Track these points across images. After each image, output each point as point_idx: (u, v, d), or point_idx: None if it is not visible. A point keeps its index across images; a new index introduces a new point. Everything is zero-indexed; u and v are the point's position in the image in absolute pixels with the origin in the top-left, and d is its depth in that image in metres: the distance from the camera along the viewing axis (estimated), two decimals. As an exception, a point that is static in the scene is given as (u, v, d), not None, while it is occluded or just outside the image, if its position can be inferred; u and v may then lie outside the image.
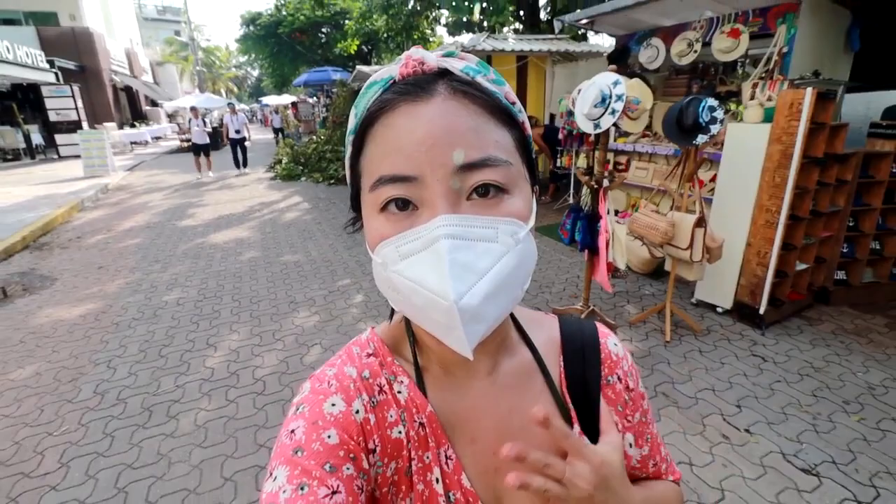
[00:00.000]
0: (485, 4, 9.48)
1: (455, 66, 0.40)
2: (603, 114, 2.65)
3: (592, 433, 0.51)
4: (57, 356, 3.23)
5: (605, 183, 2.99)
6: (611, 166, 5.63)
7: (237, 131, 11.04)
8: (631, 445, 0.55)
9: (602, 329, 0.58)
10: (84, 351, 3.28)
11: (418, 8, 11.87)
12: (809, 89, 2.79)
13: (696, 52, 4.85)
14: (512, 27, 10.81)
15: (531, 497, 0.46)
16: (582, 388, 0.53)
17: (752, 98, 3.33)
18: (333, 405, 0.44)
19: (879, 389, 2.62)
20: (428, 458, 0.47)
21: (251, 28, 21.43)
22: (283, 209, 7.80)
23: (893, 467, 2.08)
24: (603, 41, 8.92)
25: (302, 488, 0.38)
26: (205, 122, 10.75)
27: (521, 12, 10.62)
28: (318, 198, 8.61)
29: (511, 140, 0.41)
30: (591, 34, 7.53)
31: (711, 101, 2.72)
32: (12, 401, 2.75)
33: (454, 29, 11.77)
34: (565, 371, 0.54)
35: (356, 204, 0.46)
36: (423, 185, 0.38)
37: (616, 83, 2.62)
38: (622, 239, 3.03)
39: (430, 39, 15.57)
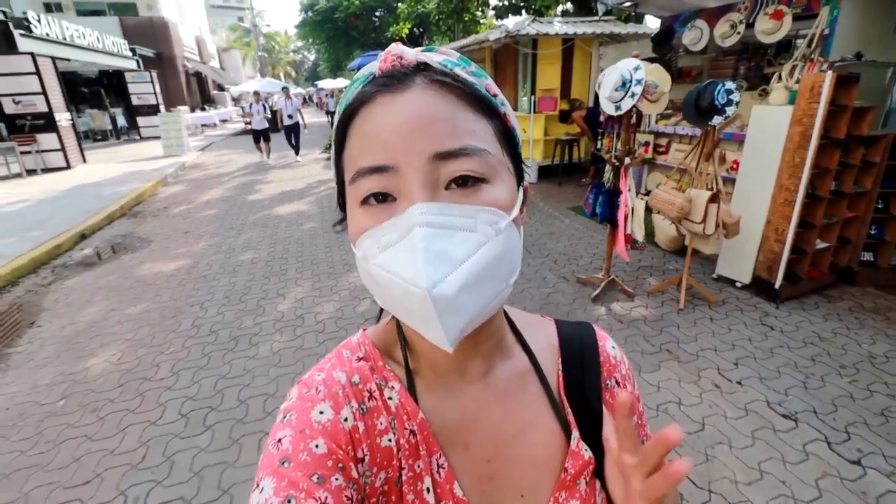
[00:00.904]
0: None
1: (433, 59, 0.41)
2: (624, 96, 2.93)
3: (593, 438, 0.50)
4: (160, 298, 3.98)
5: (626, 161, 3.26)
6: (650, 148, 5.78)
7: (289, 116, 10.70)
8: None
9: (599, 332, 0.58)
10: (181, 295, 4.01)
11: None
12: (830, 73, 2.92)
13: (739, 33, 4.89)
14: (562, 8, 10.80)
15: None
16: (582, 392, 0.52)
17: (780, 80, 3.44)
18: (321, 413, 0.43)
19: (880, 359, 2.80)
20: (419, 466, 0.46)
21: (309, 14, 22.30)
22: (338, 186, 8.46)
23: (871, 420, 2.31)
24: (649, 23, 8.80)
25: (289, 501, 0.37)
26: (265, 107, 10.58)
27: (572, -7, 10.59)
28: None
29: (490, 130, 0.41)
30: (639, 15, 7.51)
31: (729, 85, 2.93)
32: (130, 329, 3.49)
33: (502, 12, 11.88)
34: (564, 375, 0.53)
35: (343, 202, 0.45)
36: (400, 174, 0.37)
37: (637, 68, 2.89)
38: (640, 213, 3.31)
39: (481, 21, 15.69)
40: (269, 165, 10.87)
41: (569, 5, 10.61)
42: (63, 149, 10.94)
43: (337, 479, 0.40)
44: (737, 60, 5.87)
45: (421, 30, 20.85)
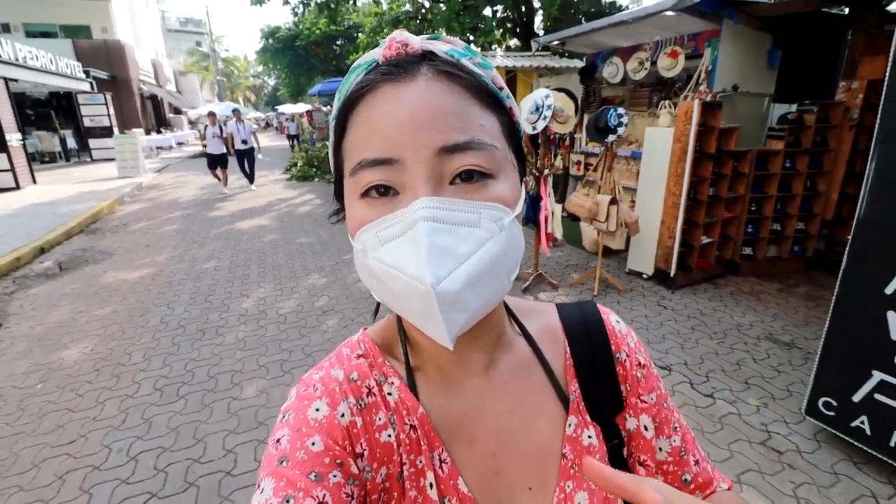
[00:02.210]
0: (480, 25, 10.52)
1: (440, 48, 0.40)
2: (538, 119, 3.58)
3: (605, 412, 0.50)
4: (127, 301, 4.23)
5: (545, 172, 3.91)
6: (581, 166, 6.55)
7: (244, 141, 9.66)
8: (646, 429, 0.51)
9: (602, 308, 0.57)
10: (147, 298, 4.28)
11: (421, 26, 12.97)
12: (697, 101, 3.69)
13: (646, 69, 5.77)
14: (507, 44, 11.82)
15: (534, 502, 0.47)
16: (591, 367, 0.51)
17: (665, 107, 4.22)
18: (317, 410, 0.43)
19: (745, 327, 3.49)
20: (421, 462, 0.45)
21: (270, 41, 22.79)
22: (298, 203, 8.83)
23: (728, 368, 2.94)
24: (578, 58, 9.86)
25: (287, 501, 0.36)
26: (221, 130, 9.49)
27: (518, 30, 11.63)
28: (330, 195, 9.44)
29: (497, 124, 0.40)
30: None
31: (620, 110, 3.65)
32: (100, 327, 3.74)
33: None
34: (572, 353, 0.52)
35: (340, 192, 0.45)
36: (404, 168, 0.36)
37: (547, 96, 3.55)
38: (559, 216, 3.94)
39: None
40: (226, 194, 9.91)
41: (514, 41, 11.65)
42: (13, 169, 10.76)
43: (335, 476, 0.39)
44: (651, 91, 6.79)
45: (380, 58, 21.71)
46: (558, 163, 7.16)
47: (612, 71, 6.24)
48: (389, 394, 0.46)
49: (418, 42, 0.40)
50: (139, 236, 6.66)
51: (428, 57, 0.39)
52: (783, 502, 1.94)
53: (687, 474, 0.51)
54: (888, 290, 1.86)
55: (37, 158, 16.96)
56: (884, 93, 1.82)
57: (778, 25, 4.92)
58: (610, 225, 3.77)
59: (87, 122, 17.57)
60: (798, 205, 4.39)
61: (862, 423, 2.04)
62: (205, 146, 9.79)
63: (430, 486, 0.44)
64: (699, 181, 3.98)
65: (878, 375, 1.95)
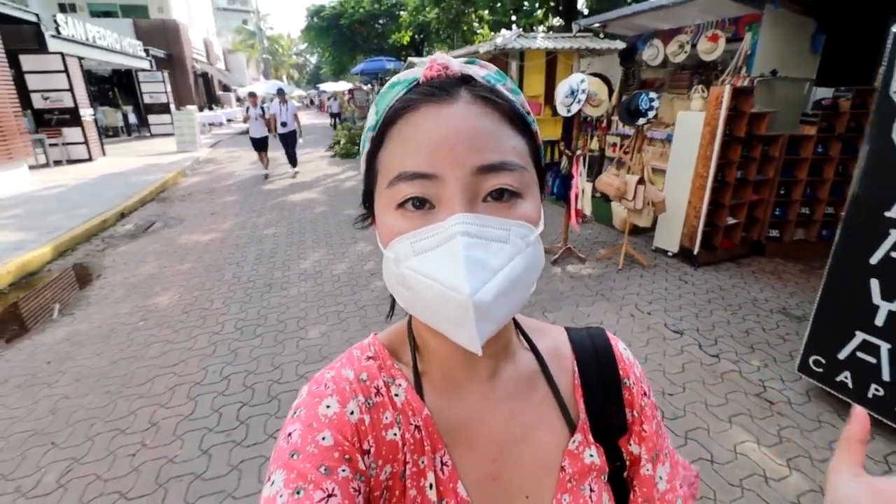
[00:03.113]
0: (524, 4, 10.57)
1: (478, 73, 0.43)
2: (572, 102, 3.86)
3: (610, 434, 0.52)
4: (202, 259, 4.87)
5: (578, 152, 4.19)
6: (617, 147, 6.71)
7: (284, 123, 9.05)
8: (642, 457, 0.54)
9: (609, 334, 0.59)
10: (219, 257, 4.90)
11: (465, 6, 13.08)
12: (728, 86, 3.86)
13: (686, 52, 5.83)
14: (550, 23, 11.79)
15: None
16: (599, 389, 0.54)
17: (697, 92, 4.38)
18: (328, 407, 0.45)
19: (761, 301, 3.72)
20: (423, 462, 0.47)
21: (315, 19, 23.28)
22: (343, 179, 9.38)
23: (737, 335, 3.22)
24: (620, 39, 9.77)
25: (298, 492, 0.38)
26: (264, 111, 9.04)
27: (560, 9, 11.59)
28: (371, 172, 10.13)
29: (526, 147, 0.43)
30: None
31: (652, 94, 3.87)
32: (183, 279, 4.37)
33: (493, 27, 12.89)
34: (581, 375, 0.54)
35: (368, 200, 0.47)
36: (442, 183, 0.39)
37: (582, 81, 3.82)
38: (589, 194, 4.23)
39: (477, 32, 16.70)
40: (278, 159, 10.06)
41: (557, 21, 11.62)
42: (86, 142, 11.80)
43: (344, 471, 0.41)
44: (691, 74, 6.83)
45: (422, 37, 21.87)
46: (594, 144, 7.36)
47: (652, 53, 6.32)
48: (396, 395, 0.48)
49: (458, 66, 0.43)
50: (204, 205, 7.37)
51: (466, 80, 0.42)
52: (766, 439, 2.26)
53: (679, 499, 0.54)
54: (873, 261, 2.12)
55: (101, 133, 18.35)
56: (881, 77, 2.05)
57: (822, 9, 4.90)
58: (637, 203, 4.03)
59: (146, 99, 18.69)
60: (828, 189, 4.48)
61: (845, 377, 2.32)
62: (247, 130, 9.39)
63: (430, 486, 0.46)
64: (727, 164, 4.16)
65: (860, 336, 2.22)
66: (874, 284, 2.13)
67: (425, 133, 0.39)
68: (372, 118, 0.44)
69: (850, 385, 2.30)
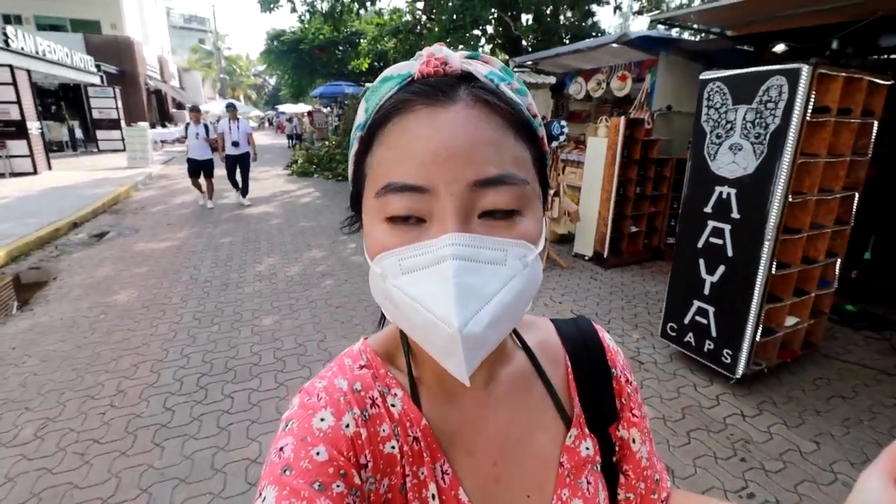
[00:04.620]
0: (471, 42, 11.55)
1: (480, 70, 0.39)
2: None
3: (602, 424, 0.53)
4: (159, 263, 5.14)
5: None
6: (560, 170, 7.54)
7: (234, 143, 7.87)
8: (634, 441, 0.55)
9: (596, 325, 0.59)
10: (175, 262, 5.19)
11: (418, 39, 14.01)
12: (622, 118, 4.69)
13: (603, 88, 6.79)
14: (500, 57, 12.87)
15: None
16: (592, 381, 0.54)
17: (602, 122, 5.22)
18: (322, 420, 0.43)
19: (652, 293, 4.47)
20: (423, 473, 0.46)
21: (275, 43, 23.72)
22: (300, 195, 9.76)
23: (626, 318, 3.91)
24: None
25: None
26: (207, 130, 7.82)
27: (506, 46, 12.68)
28: (328, 189, 10.57)
29: (530, 157, 0.40)
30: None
31: (563, 122, 4.64)
32: (141, 280, 4.64)
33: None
34: (574, 370, 0.54)
35: (356, 203, 0.44)
36: (435, 197, 0.36)
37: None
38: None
39: (432, 61, 17.69)
40: (211, 211, 8.02)
41: (504, 56, 12.70)
42: (32, 155, 11.58)
43: (338, 486, 0.39)
44: (612, 107, 7.84)
45: (381, 64, 22.74)
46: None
47: (576, 89, 7.26)
48: (393, 405, 0.47)
49: (458, 61, 0.38)
50: (159, 216, 7.55)
51: (466, 78, 0.38)
52: (631, 386, 2.90)
53: (657, 474, 0.56)
54: (699, 245, 2.85)
55: (47, 147, 17.75)
56: (696, 109, 2.81)
57: (706, 57, 5.95)
58: (553, 213, 4.74)
59: (95, 114, 18.29)
60: (711, 204, 5.39)
61: (690, 337, 3.02)
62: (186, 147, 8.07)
63: (433, 497, 0.45)
64: (627, 181, 4.97)
65: (696, 303, 2.93)
66: (701, 263, 2.85)
67: (418, 140, 0.36)
68: (361, 115, 0.41)
69: (693, 343, 3.00)
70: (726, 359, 2.79)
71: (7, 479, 2.13)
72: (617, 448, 0.55)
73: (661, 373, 3.07)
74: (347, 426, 0.43)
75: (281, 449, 0.41)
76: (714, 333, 2.85)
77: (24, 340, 3.40)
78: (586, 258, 5.38)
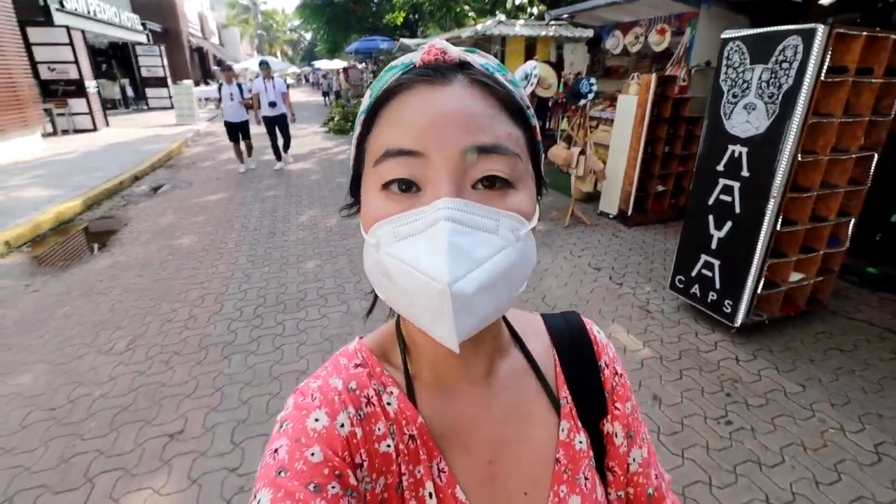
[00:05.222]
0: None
1: (476, 60, 0.41)
2: (526, 85, 4.66)
3: (594, 421, 0.53)
4: (213, 213, 5.67)
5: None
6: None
7: (271, 104, 7.47)
8: (616, 436, 0.54)
9: (584, 318, 0.60)
10: (227, 212, 5.71)
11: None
12: (654, 75, 4.68)
13: (641, 43, 6.63)
14: (535, 9, 12.45)
15: None
16: (579, 373, 0.54)
17: (633, 79, 5.20)
18: (317, 420, 0.43)
19: (671, 250, 4.55)
20: (419, 472, 0.46)
21: (310, -3, 23.52)
22: (336, 152, 10.12)
23: (641, 271, 4.11)
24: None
25: None
26: (241, 90, 7.34)
27: (545, -4, 12.23)
28: (363, 147, 10.88)
29: (522, 138, 0.41)
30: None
31: (592, 80, 4.68)
32: (199, 226, 5.18)
33: (479, 12, 13.54)
34: (560, 360, 0.55)
35: (356, 188, 0.46)
36: (429, 163, 0.37)
37: (535, 67, 4.62)
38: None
39: (469, 14, 17.22)
40: (248, 170, 8.00)
41: (541, 8, 12.27)
42: (91, 112, 12.39)
43: (334, 488, 0.39)
44: (651, 62, 7.63)
45: (416, 17, 22.26)
46: (564, 124, 8.16)
47: (613, 43, 7.10)
48: (388, 403, 0.47)
49: (456, 52, 0.41)
50: (209, 171, 8.12)
51: (464, 66, 0.40)
52: (635, 330, 3.17)
53: (651, 488, 0.55)
54: (710, 202, 3.00)
55: (104, 104, 18.76)
56: (714, 70, 2.89)
57: (750, 9, 5.70)
58: (579, 171, 4.89)
59: (144, 73, 19.03)
60: (742, 164, 5.36)
61: (696, 289, 3.23)
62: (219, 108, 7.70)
63: (430, 495, 0.45)
64: (655, 140, 5.01)
65: (703, 257, 3.12)
66: (710, 219, 3.02)
67: (416, 111, 0.38)
68: (365, 101, 0.43)
69: (699, 294, 3.21)
70: (727, 308, 3.00)
71: (110, 377, 2.67)
72: (605, 443, 0.55)
73: (666, 321, 3.31)
74: (342, 426, 0.43)
75: (276, 450, 0.41)
76: (718, 285, 3.05)
77: (107, 275, 3.98)
78: (611, 216, 5.52)
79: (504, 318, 0.55)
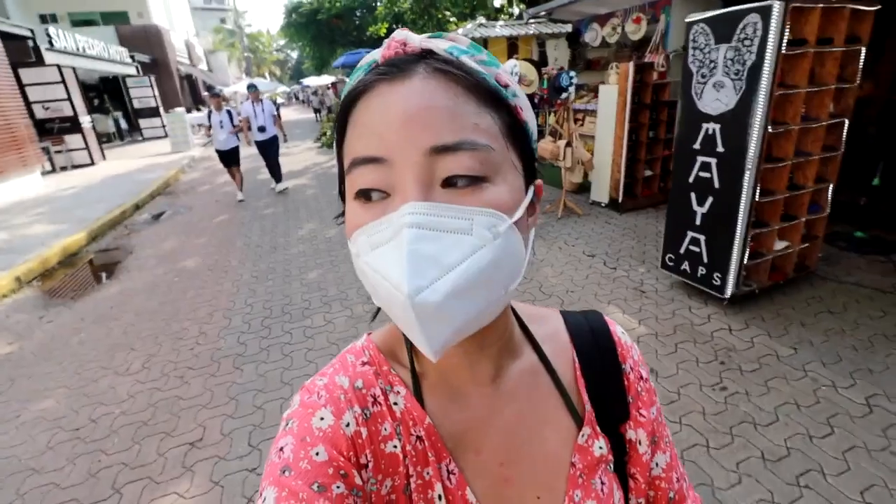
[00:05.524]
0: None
1: (439, 46, 0.38)
2: (508, 83, 4.78)
3: (613, 422, 0.51)
4: (215, 235, 5.81)
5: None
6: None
7: (261, 128, 7.22)
8: (640, 443, 0.52)
9: (607, 318, 0.57)
10: (228, 232, 5.85)
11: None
12: (631, 63, 4.80)
13: (618, 34, 6.76)
14: (514, 10, 12.63)
15: None
16: (601, 377, 0.52)
17: (612, 69, 5.32)
18: (322, 419, 0.42)
19: (662, 232, 4.71)
20: (428, 473, 0.45)
21: (293, 16, 23.83)
22: (330, 166, 10.27)
23: (634, 255, 4.21)
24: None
25: None
26: (231, 116, 7.03)
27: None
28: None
29: (496, 124, 0.38)
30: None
31: (571, 73, 4.80)
32: (202, 248, 5.31)
33: (459, 17, 13.73)
34: (581, 363, 0.53)
35: (343, 193, 0.43)
36: (394, 168, 0.36)
37: (515, 65, 4.74)
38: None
39: (451, 20, 17.44)
40: (251, 193, 7.98)
41: (521, 8, 12.45)
42: (87, 147, 12.59)
43: (338, 487, 0.39)
44: (631, 51, 7.75)
45: (399, 26, 22.51)
46: (551, 119, 8.28)
47: (592, 36, 7.24)
48: (395, 403, 0.46)
49: (418, 41, 0.38)
50: (207, 195, 8.27)
51: (427, 55, 0.38)
52: (629, 310, 3.27)
53: (672, 491, 0.53)
54: (690, 180, 3.11)
55: (99, 139, 19.03)
56: (683, 52, 3.00)
57: (721, -8, 5.82)
58: (567, 162, 5.00)
59: (136, 104, 19.29)
60: (727, 142, 5.46)
61: (685, 266, 3.32)
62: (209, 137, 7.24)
63: (439, 497, 0.44)
64: (639, 126, 5.12)
65: (689, 234, 3.22)
66: (692, 196, 3.12)
67: (376, 114, 0.36)
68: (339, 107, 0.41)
69: (689, 270, 3.31)
70: (716, 281, 3.09)
71: (129, 395, 2.79)
72: (628, 448, 0.53)
73: (660, 299, 3.41)
74: (348, 425, 0.43)
75: (281, 449, 0.40)
76: (706, 259, 3.15)
77: (117, 301, 4.11)
78: (602, 205, 5.63)
79: (517, 316, 0.53)
